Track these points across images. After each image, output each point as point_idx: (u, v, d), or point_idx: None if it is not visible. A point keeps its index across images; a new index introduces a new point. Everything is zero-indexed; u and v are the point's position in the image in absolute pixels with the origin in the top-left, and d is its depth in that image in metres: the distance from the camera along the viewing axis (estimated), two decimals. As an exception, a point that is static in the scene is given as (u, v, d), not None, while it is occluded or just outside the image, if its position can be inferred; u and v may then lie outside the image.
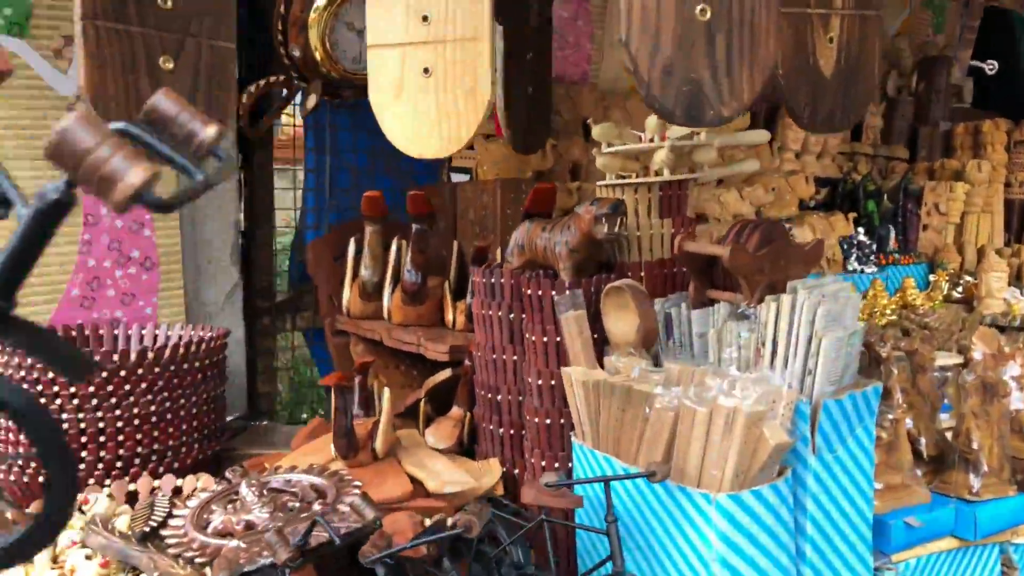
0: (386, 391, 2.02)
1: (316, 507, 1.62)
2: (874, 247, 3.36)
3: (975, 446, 1.90)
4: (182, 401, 2.05)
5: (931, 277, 3.36)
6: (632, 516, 1.56)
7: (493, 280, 1.97)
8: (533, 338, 1.82)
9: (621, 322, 1.76)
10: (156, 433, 1.99)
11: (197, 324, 2.60)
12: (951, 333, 2.65)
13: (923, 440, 1.99)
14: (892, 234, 3.47)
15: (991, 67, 2.60)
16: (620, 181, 1.93)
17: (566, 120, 3.21)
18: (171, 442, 2.03)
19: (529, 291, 1.83)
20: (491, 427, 2.00)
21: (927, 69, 4.34)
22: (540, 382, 1.81)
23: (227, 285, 2.72)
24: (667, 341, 1.84)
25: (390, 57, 1.47)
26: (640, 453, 1.54)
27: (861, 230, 3.34)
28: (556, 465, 1.81)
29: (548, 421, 1.81)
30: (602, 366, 1.74)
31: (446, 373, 2.22)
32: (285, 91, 2.82)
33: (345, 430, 1.86)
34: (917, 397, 2.05)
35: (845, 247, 3.33)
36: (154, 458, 1.99)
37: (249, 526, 1.61)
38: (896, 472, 1.85)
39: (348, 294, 2.67)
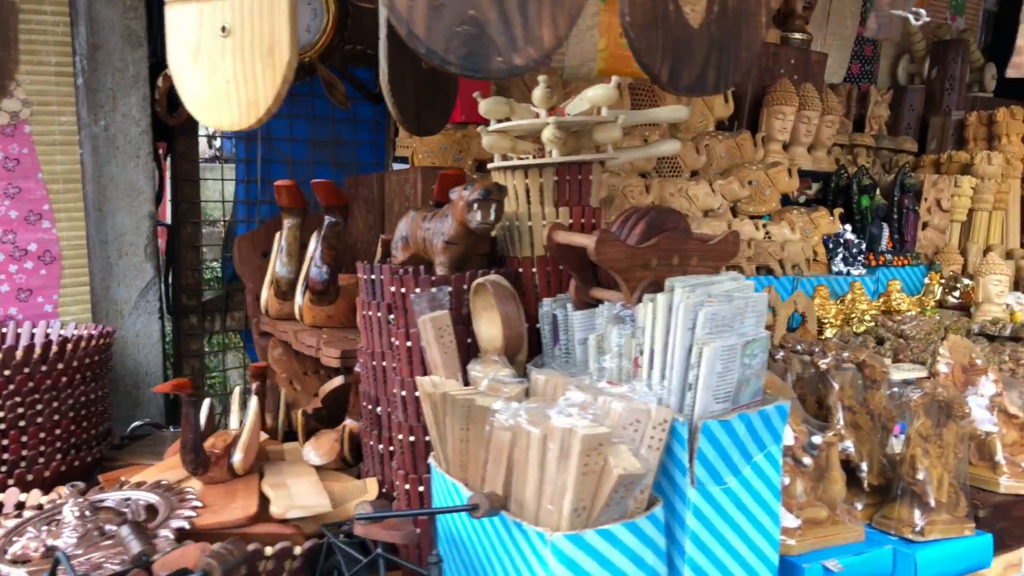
0: (253, 400, 1.82)
1: (124, 532, 1.42)
2: (863, 246, 3.05)
3: (920, 476, 1.61)
4: (40, 407, 1.87)
5: (925, 280, 3.03)
6: (474, 553, 1.32)
7: (373, 277, 1.75)
8: (397, 342, 1.59)
9: (490, 325, 1.52)
10: (6, 442, 1.82)
11: (100, 323, 2.44)
12: (930, 342, 2.33)
13: (865, 467, 1.71)
14: (885, 232, 3.15)
15: (917, 16, 2.26)
16: (508, 163, 1.69)
17: (519, 107, 2.97)
18: (25, 452, 1.85)
19: (393, 288, 1.61)
20: (371, 442, 1.78)
21: (941, 54, 3.99)
22: (404, 393, 1.58)
23: (141, 282, 2.55)
24: (554, 347, 1.60)
25: (187, 15, 1.26)
26: (484, 480, 1.30)
27: (848, 227, 3.03)
28: (420, 489, 1.58)
29: (412, 439, 1.58)
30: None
31: (339, 380, 2.01)
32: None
33: (192, 444, 1.66)
34: (865, 417, 1.77)
35: (831, 246, 3.02)
36: (3, 469, 1.82)
37: (51, 552, 1.42)
38: (823, 505, 1.58)
39: (266, 293, 2.48)
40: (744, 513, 1.36)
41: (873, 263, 3.10)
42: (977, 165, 3.36)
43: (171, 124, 2.63)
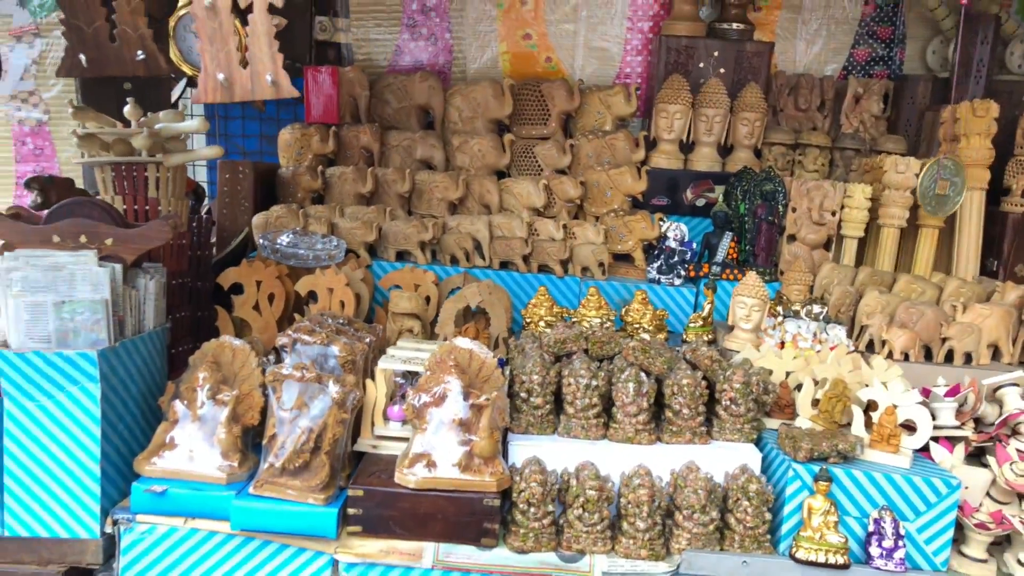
0: None
1: None
2: (687, 256, 2.84)
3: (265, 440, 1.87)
4: None
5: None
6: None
7: None
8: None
9: None
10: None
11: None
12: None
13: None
14: (726, 242, 2.86)
15: None
16: (87, 160, 2.30)
17: (395, 108, 3.37)
18: None
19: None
20: None
21: (964, 31, 3.24)
22: None
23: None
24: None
25: None
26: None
27: (672, 235, 2.85)
28: None
29: None
30: None
31: None
32: None
33: None
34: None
35: (656, 253, 2.90)
36: None
37: None
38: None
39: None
40: (60, 428, 1.84)
41: (692, 274, 2.85)
42: (888, 171, 2.77)
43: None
